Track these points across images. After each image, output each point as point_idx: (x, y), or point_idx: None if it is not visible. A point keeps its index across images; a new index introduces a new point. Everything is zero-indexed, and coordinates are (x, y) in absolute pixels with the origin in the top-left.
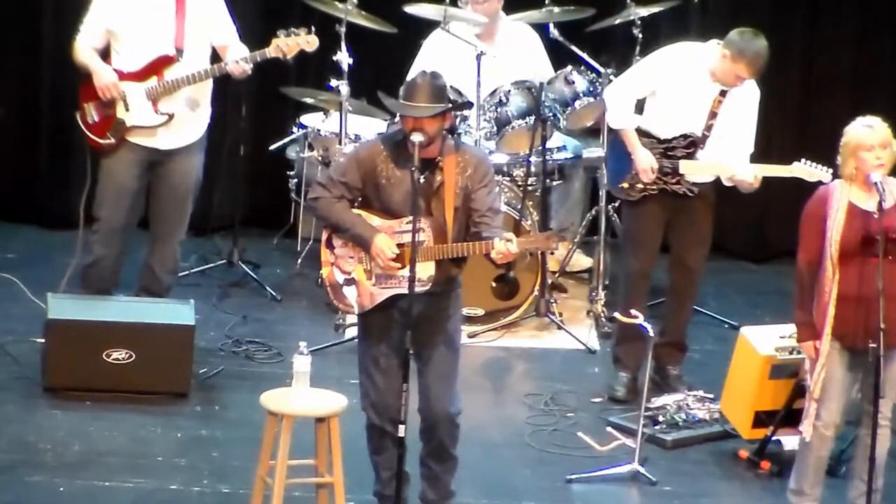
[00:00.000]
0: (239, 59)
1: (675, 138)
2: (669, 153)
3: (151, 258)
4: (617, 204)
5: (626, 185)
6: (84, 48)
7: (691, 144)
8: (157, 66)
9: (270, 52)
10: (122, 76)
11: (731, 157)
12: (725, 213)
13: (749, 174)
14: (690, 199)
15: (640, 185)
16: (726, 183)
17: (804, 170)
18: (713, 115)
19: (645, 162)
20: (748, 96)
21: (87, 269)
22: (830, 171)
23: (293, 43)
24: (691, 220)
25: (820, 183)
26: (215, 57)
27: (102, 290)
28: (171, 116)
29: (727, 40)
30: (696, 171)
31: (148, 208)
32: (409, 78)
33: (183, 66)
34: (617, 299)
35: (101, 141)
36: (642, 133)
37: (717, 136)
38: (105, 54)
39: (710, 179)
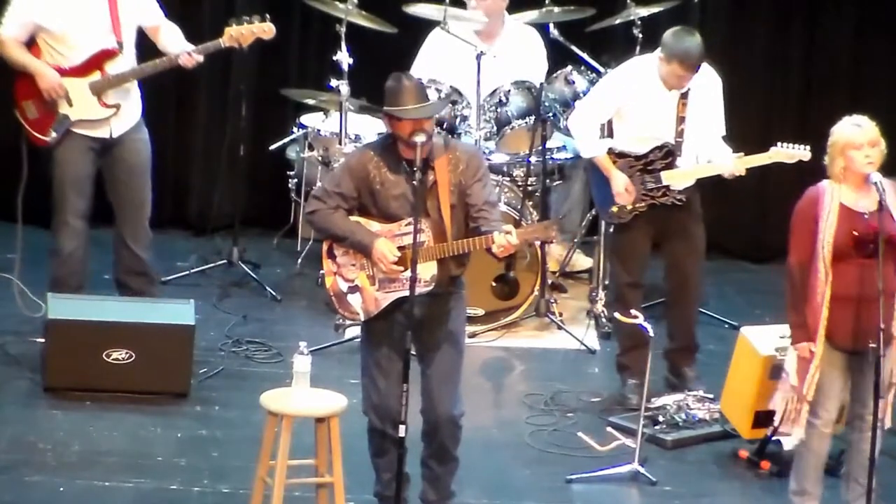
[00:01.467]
0: (191, 50)
1: (650, 152)
2: (650, 168)
3: (127, 239)
4: None
5: (615, 209)
6: (12, 44)
7: (668, 154)
8: (99, 61)
9: (224, 41)
10: (63, 72)
11: (705, 150)
12: (725, 213)
13: (732, 168)
14: (679, 207)
15: (628, 207)
16: (729, 178)
17: (783, 153)
18: (681, 120)
19: (620, 184)
20: (709, 86)
21: (59, 268)
22: (808, 147)
23: (247, 31)
24: (682, 229)
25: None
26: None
27: (77, 289)
28: (118, 107)
29: (661, 43)
30: (679, 179)
31: (110, 195)
32: (387, 86)
33: (124, 57)
34: (611, 305)
35: (44, 137)
36: (619, 154)
37: (691, 138)
38: (28, 45)
39: (692, 183)
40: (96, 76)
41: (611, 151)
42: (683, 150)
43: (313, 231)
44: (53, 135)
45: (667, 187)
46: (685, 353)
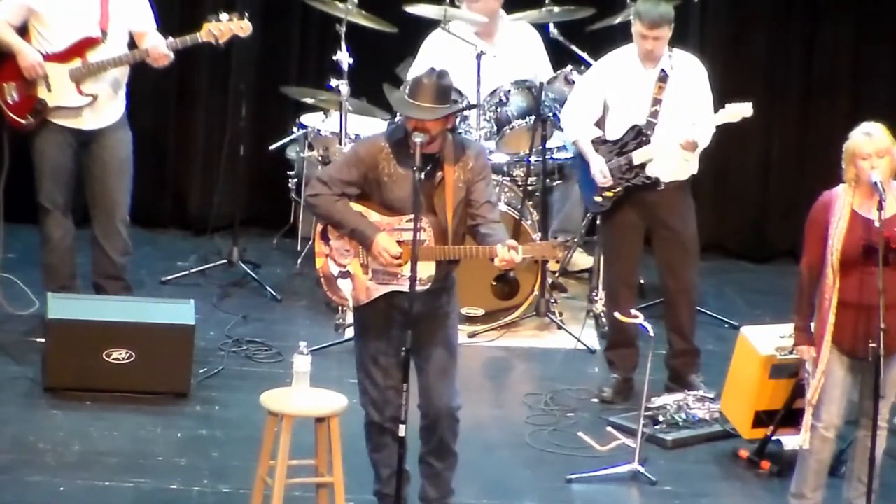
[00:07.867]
0: (160, 44)
1: (625, 134)
2: (624, 150)
3: (100, 240)
4: None
5: (598, 198)
6: (3, 25)
7: (638, 134)
8: (81, 48)
9: (202, 36)
10: (46, 57)
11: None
12: (725, 212)
13: (699, 137)
14: (662, 202)
15: (607, 193)
16: (683, 147)
17: (726, 115)
18: (656, 101)
19: (596, 167)
20: (692, 75)
21: (49, 255)
22: (750, 103)
23: (226, 28)
24: (668, 227)
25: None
26: (132, 43)
27: (71, 278)
28: (95, 97)
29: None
30: (648, 156)
31: (86, 193)
32: (414, 76)
33: (107, 47)
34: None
35: (21, 121)
36: (601, 142)
37: (670, 121)
38: (21, 32)
39: (681, 177)
40: (77, 63)
41: (595, 141)
42: (656, 131)
43: (313, 220)
44: (30, 119)
45: (639, 167)
46: (686, 358)
